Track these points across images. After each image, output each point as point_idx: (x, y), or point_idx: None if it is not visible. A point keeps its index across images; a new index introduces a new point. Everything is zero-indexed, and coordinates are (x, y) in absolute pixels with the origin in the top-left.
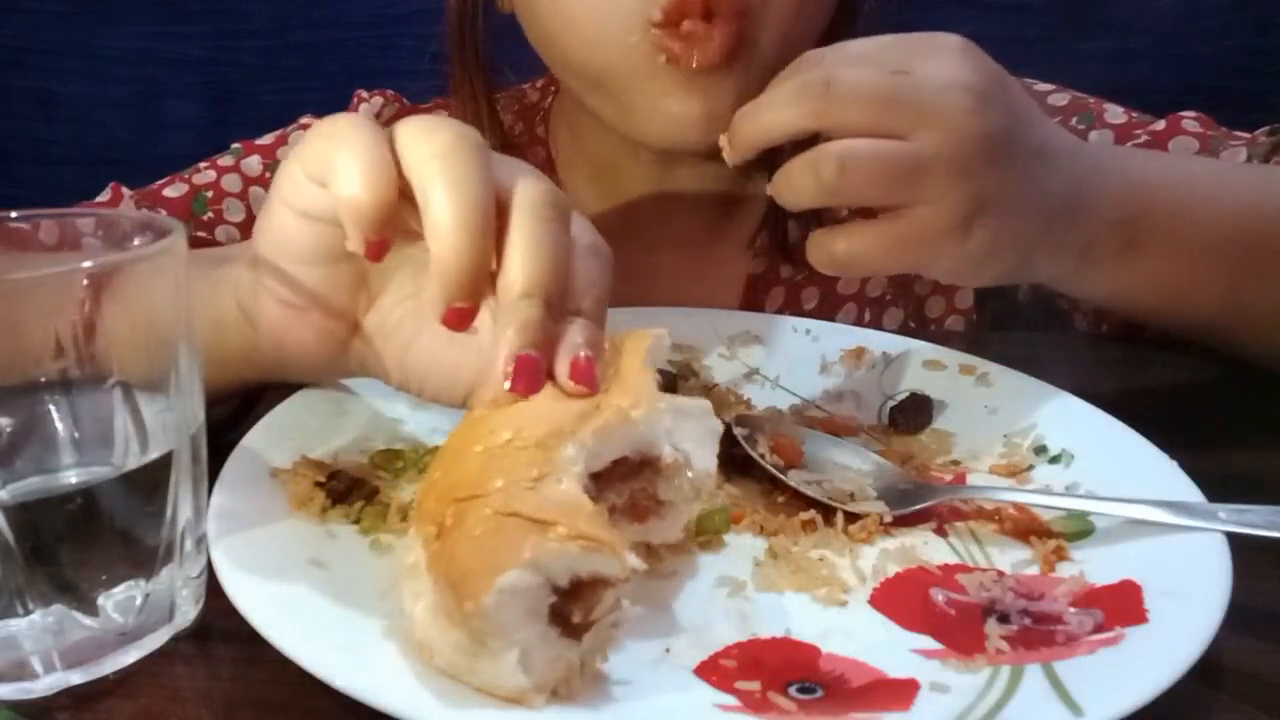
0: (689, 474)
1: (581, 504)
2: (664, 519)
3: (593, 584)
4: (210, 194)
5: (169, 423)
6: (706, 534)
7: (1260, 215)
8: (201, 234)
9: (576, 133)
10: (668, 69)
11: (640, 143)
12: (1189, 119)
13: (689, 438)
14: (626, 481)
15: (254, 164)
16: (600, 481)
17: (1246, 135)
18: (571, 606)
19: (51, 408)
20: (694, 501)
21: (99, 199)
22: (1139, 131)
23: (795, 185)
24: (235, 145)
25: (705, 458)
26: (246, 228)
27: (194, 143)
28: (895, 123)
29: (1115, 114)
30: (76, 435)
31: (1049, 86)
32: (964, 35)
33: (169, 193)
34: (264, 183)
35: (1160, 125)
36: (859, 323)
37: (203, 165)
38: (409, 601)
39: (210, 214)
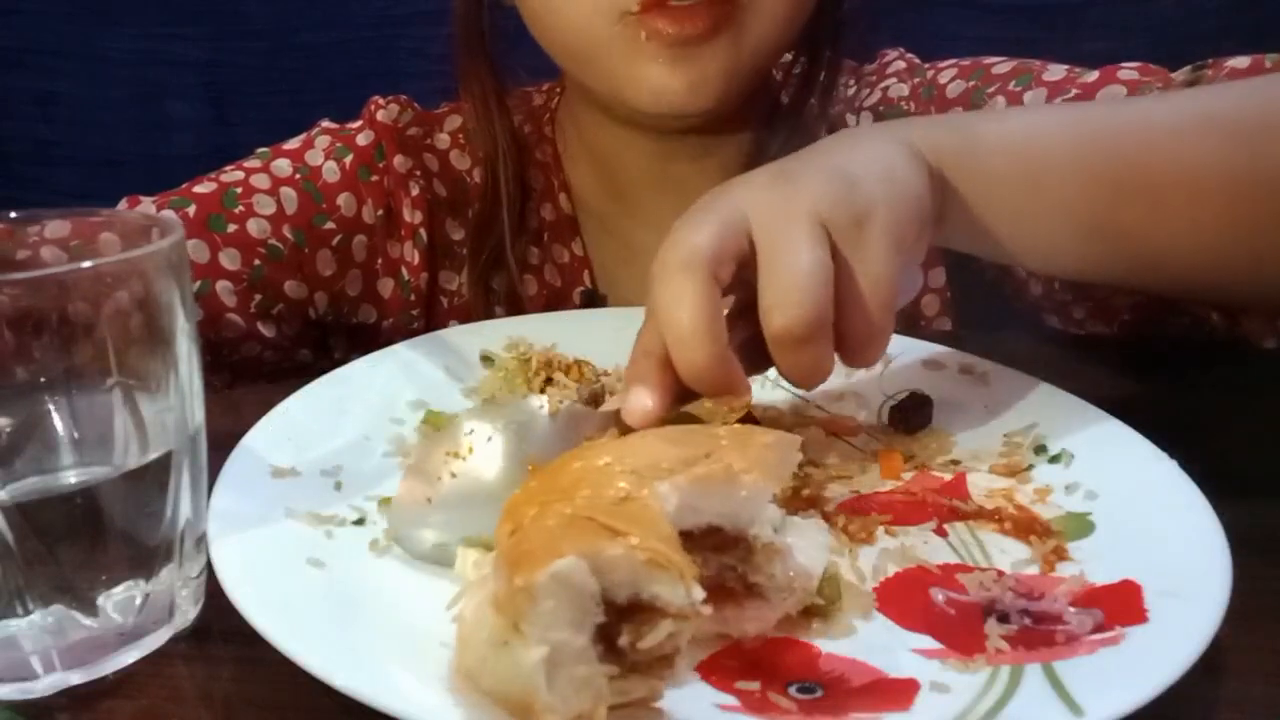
0: (790, 564)
1: (661, 525)
2: (745, 609)
3: (651, 610)
4: (240, 190)
5: (169, 423)
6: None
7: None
8: (233, 226)
9: (580, 128)
10: (649, 43)
11: (634, 111)
12: (1128, 68)
13: (799, 536)
14: (717, 554)
15: (284, 166)
16: (690, 543)
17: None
18: (621, 627)
19: (51, 408)
20: (789, 598)
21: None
22: (1070, 86)
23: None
24: (262, 150)
25: (814, 560)
26: (277, 221)
27: (194, 144)
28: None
29: (1055, 72)
30: (76, 435)
31: (995, 59)
32: (965, 38)
33: (198, 189)
34: (294, 184)
35: (1093, 77)
36: None
37: (228, 168)
38: (465, 603)
39: (241, 207)
